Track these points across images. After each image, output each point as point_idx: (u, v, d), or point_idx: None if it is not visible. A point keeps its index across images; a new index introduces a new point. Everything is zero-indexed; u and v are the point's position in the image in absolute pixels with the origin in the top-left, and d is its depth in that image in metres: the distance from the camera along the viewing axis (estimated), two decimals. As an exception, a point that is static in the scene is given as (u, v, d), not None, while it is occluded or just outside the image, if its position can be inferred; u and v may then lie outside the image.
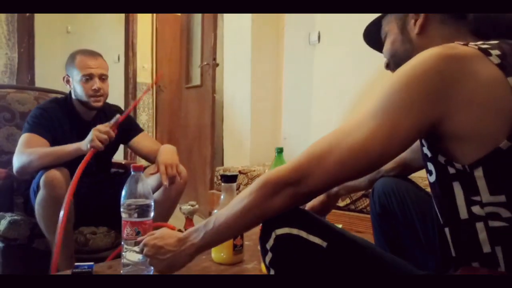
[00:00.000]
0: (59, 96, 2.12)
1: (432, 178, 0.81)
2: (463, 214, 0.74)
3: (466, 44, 0.72)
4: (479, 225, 0.72)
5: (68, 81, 1.95)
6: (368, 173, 0.80)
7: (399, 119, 0.71)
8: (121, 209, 1.17)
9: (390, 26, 0.94)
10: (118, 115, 1.77)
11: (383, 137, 0.72)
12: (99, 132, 1.69)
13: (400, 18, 0.92)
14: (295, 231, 0.79)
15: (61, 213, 1.50)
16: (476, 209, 0.72)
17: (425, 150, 0.80)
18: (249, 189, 0.84)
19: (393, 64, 0.95)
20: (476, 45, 0.72)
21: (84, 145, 1.69)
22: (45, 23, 4.77)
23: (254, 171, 2.94)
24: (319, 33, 3.16)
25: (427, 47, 0.80)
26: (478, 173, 0.70)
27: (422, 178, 1.32)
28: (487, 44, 0.72)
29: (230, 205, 0.87)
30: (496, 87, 0.68)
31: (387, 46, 0.95)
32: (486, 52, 0.70)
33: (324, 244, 0.77)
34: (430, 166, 0.80)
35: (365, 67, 2.86)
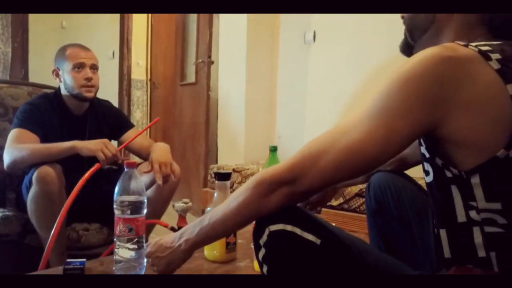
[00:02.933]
0: (49, 91, 2.11)
1: (429, 179, 0.80)
2: (461, 217, 0.73)
3: (466, 45, 0.71)
4: (476, 229, 0.71)
5: (57, 74, 1.94)
6: (363, 173, 0.80)
7: (396, 121, 0.70)
8: (114, 206, 1.17)
9: None
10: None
11: (379, 139, 0.71)
12: (106, 147, 1.69)
13: None
14: (289, 227, 0.79)
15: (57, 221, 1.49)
16: (473, 214, 0.71)
17: (423, 150, 0.80)
18: (245, 187, 0.84)
19: (408, 24, 0.91)
20: (476, 46, 0.70)
21: (83, 148, 1.68)
22: (40, 18, 4.73)
23: (248, 169, 2.94)
24: (314, 33, 3.16)
25: (446, 26, 0.81)
26: (475, 180, 0.70)
27: (417, 178, 1.32)
28: (488, 45, 0.70)
29: (225, 202, 0.87)
30: (494, 94, 0.67)
31: None
32: (486, 56, 0.68)
33: (318, 241, 0.77)
34: (427, 167, 0.79)
35: (361, 67, 2.86)
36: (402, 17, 0.92)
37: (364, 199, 2.27)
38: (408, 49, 0.92)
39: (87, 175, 1.58)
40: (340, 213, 2.38)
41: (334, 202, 2.39)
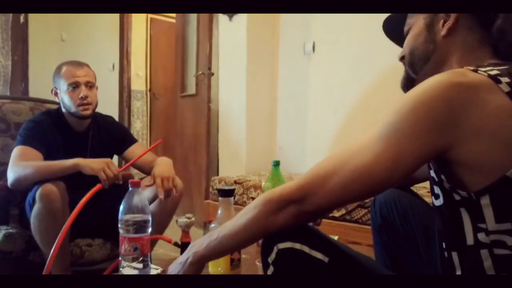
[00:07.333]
0: (53, 107, 2.11)
1: (439, 202, 0.81)
2: (470, 240, 0.74)
3: (476, 70, 0.72)
4: (484, 252, 0.72)
5: (56, 94, 1.96)
6: (371, 196, 0.81)
7: (405, 145, 0.71)
8: (119, 225, 1.17)
9: (416, 20, 0.90)
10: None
11: (387, 162, 0.72)
12: (108, 167, 1.69)
13: (428, 14, 0.88)
14: (297, 245, 0.80)
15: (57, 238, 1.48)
16: (481, 236, 0.72)
17: (432, 173, 0.80)
18: (253, 204, 0.85)
19: (408, 60, 0.92)
20: (485, 71, 0.71)
21: (86, 167, 1.68)
22: (40, 31, 4.76)
23: (250, 180, 2.94)
24: (314, 43, 3.18)
25: (449, 53, 0.82)
26: (485, 201, 0.70)
27: (420, 191, 1.32)
28: (496, 69, 0.71)
29: (235, 218, 0.88)
30: (505, 117, 0.67)
31: (408, 40, 0.92)
32: (496, 80, 0.69)
33: (326, 259, 0.78)
34: (437, 190, 0.80)
35: (361, 77, 2.88)
36: (402, 59, 0.94)
37: (366, 210, 2.29)
38: (410, 84, 0.91)
39: (88, 196, 1.57)
40: (342, 224, 2.39)
41: (336, 213, 2.39)
